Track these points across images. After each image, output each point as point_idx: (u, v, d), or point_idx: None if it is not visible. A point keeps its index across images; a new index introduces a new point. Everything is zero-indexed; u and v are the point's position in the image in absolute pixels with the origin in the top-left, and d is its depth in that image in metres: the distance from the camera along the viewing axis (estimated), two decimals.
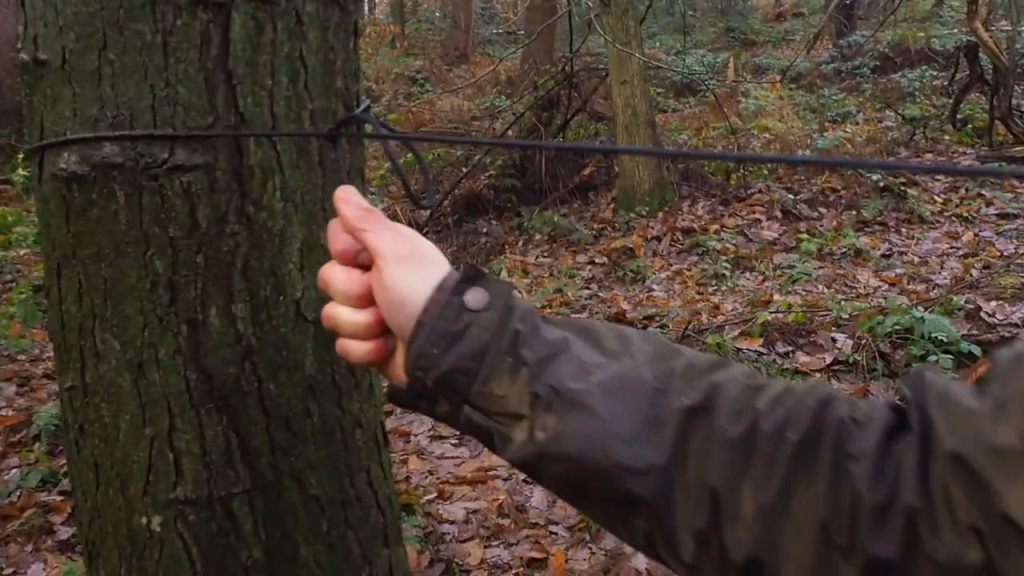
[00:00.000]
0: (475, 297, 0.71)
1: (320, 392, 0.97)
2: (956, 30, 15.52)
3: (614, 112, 8.05)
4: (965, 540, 0.54)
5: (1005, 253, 6.57)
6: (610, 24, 7.75)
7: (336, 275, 0.74)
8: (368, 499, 1.03)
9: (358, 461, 1.02)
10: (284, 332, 0.93)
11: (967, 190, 8.25)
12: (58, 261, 0.91)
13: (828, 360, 4.81)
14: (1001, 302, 5.06)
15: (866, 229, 7.52)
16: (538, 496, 3.63)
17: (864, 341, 4.85)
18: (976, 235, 7.09)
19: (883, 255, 6.83)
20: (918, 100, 11.64)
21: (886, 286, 6.24)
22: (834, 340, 5.04)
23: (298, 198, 0.93)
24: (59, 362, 0.95)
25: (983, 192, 8.15)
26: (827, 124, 10.83)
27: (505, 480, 3.67)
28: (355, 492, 1.01)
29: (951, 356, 4.39)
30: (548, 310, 5.77)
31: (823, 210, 8.05)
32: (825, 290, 6.19)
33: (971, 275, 5.98)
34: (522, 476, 3.86)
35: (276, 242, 0.92)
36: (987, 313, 4.98)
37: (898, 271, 6.42)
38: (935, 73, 12.60)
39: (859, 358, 4.74)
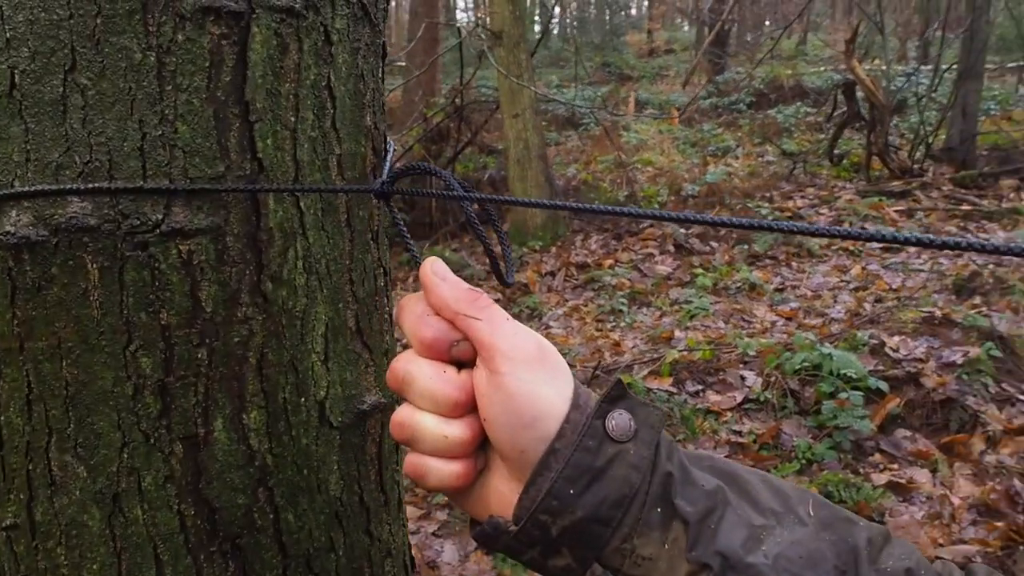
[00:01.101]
0: (619, 424, 0.57)
1: (346, 518, 0.75)
2: (824, 68, 16.15)
3: (505, 145, 7.96)
4: None
5: (893, 286, 6.73)
6: (502, 57, 7.66)
7: (424, 372, 0.57)
8: None
9: None
10: (306, 444, 0.71)
11: (851, 224, 8.47)
12: None
13: (739, 399, 4.79)
14: (904, 337, 5.13)
15: (758, 263, 7.62)
16: (449, 551, 3.44)
17: (773, 378, 4.85)
18: (864, 268, 7.26)
19: (776, 289, 6.92)
20: (795, 135, 12.00)
21: (783, 320, 6.31)
22: (743, 378, 5.03)
23: (323, 269, 0.71)
24: None
25: (866, 226, 8.39)
26: (708, 158, 11.02)
27: (414, 534, 3.45)
28: None
29: (860, 392, 4.42)
30: None
31: (715, 244, 8.13)
32: (724, 325, 6.22)
33: (864, 309, 6.08)
34: (431, 529, 3.63)
35: (297, 327, 0.70)
36: (891, 348, 5.03)
37: (793, 305, 6.49)
38: (809, 109, 13.03)
39: (769, 396, 4.73)
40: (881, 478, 3.89)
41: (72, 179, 0.63)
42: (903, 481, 3.86)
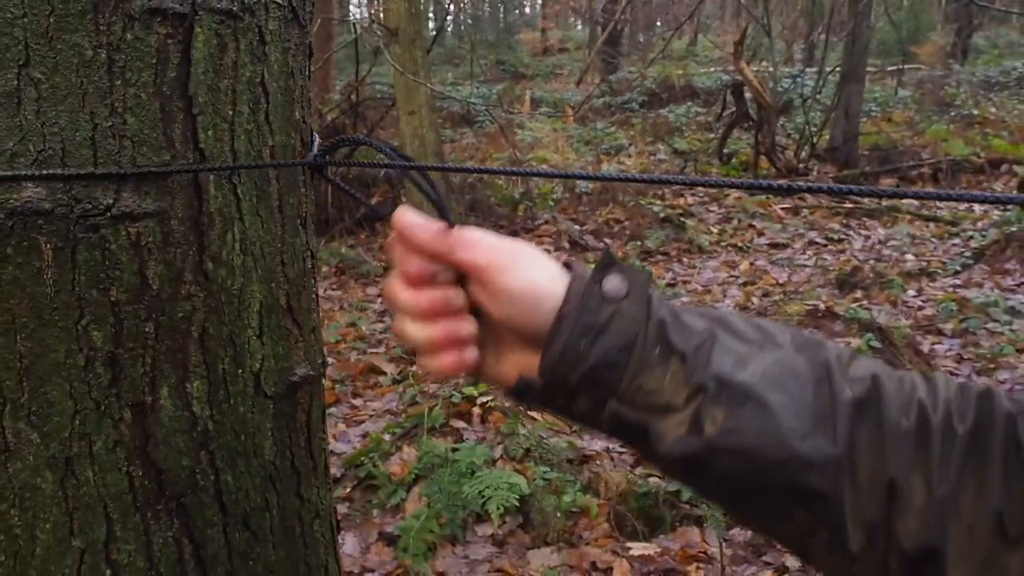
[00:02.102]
0: (613, 286, 0.69)
1: (279, 480, 0.83)
2: (713, 69, 16.63)
3: (401, 142, 8.00)
4: None
5: (780, 281, 7.02)
6: (398, 54, 7.70)
7: (405, 297, 0.69)
8: None
9: (317, 557, 0.88)
10: (243, 412, 0.79)
11: (739, 221, 8.79)
12: None
13: None
14: None
15: (650, 259, 7.83)
16: (351, 543, 3.49)
17: None
18: (752, 264, 7.54)
19: (668, 284, 7.12)
20: (686, 134, 12.35)
21: None
22: None
23: (258, 251, 0.79)
24: None
25: (754, 223, 8.71)
26: (602, 156, 11.25)
27: None
28: None
29: None
30: (343, 345, 5.62)
31: (608, 241, 8.32)
32: None
33: (752, 302, 6.34)
34: None
35: (235, 304, 0.77)
36: None
37: (684, 299, 6.70)
38: (699, 109, 13.42)
39: None
40: None
41: (27, 166, 0.69)
42: None
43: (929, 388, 0.67)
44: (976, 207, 9.03)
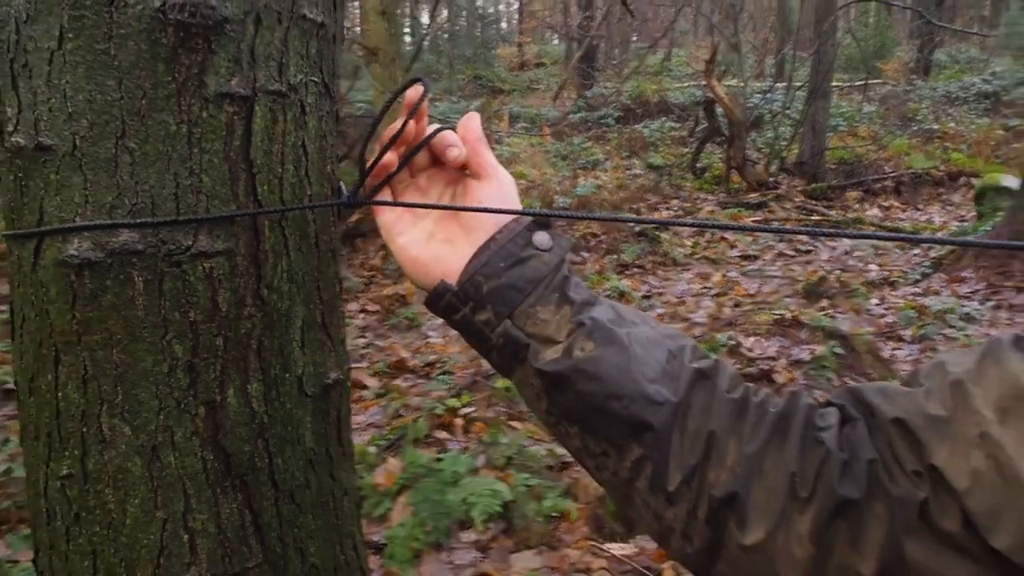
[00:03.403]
0: (541, 239, 0.86)
1: (317, 463, 1.01)
2: (687, 84, 16.90)
3: None
4: (912, 481, 0.72)
5: (750, 291, 7.23)
6: (378, 72, 7.89)
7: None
8: (354, 563, 1.08)
9: (346, 528, 1.07)
10: (290, 408, 0.97)
11: (712, 234, 9.01)
12: (57, 348, 0.90)
13: None
14: (758, 337, 5.57)
15: (627, 272, 8.03)
16: None
17: None
18: (724, 275, 7.76)
19: (644, 296, 7.31)
20: (660, 149, 12.58)
21: None
22: None
23: (300, 279, 0.98)
24: (46, 453, 0.94)
25: (726, 236, 8.94)
26: (579, 171, 11.47)
27: None
28: (344, 558, 1.06)
29: None
30: None
31: (586, 254, 8.52)
32: None
33: (724, 313, 6.54)
34: None
35: (283, 322, 0.96)
36: (747, 348, 5.46)
37: (659, 311, 6.89)
38: (673, 124, 13.68)
39: None
40: None
41: (123, 216, 0.87)
42: None
43: (756, 387, 0.84)
44: (936, 218, 9.30)
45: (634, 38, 24.94)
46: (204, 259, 0.90)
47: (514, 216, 0.88)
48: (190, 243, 0.89)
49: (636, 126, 13.87)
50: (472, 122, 0.93)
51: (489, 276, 0.84)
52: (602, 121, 14.44)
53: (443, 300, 0.87)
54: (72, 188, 0.88)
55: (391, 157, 0.94)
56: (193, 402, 0.91)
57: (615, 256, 8.25)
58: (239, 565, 0.94)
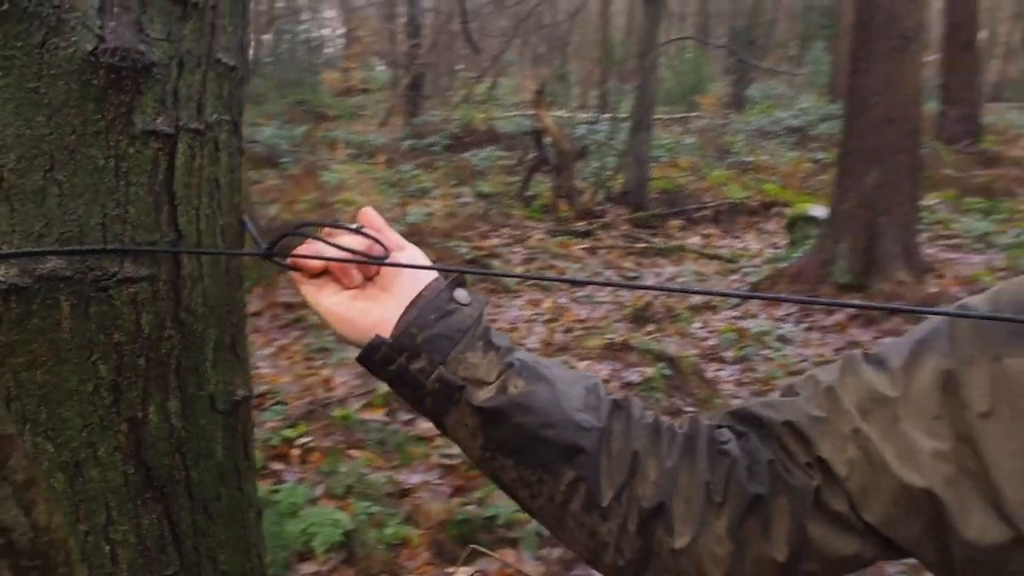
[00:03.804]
0: (461, 294, 0.98)
1: (227, 476, 1.10)
2: (514, 113, 17.34)
3: None
4: (806, 473, 0.90)
5: (581, 317, 7.52)
6: None
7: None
8: (259, 571, 1.17)
9: (252, 538, 1.15)
10: (203, 423, 1.06)
11: (542, 261, 9.30)
12: None
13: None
14: (590, 361, 5.83)
15: None
16: None
17: None
18: (555, 302, 8.01)
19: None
20: (489, 178, 12.86)
21: None
22: None
23: (213, 303, 1.06)
24: None
25: (555, 263, 9.25)
26: (408, 199, 11.58)
27: None
28: (251, 566, 1.14)
29: None
30: None
31: None
32: None
33: (555, 338, 6.78)
34: None
35: (198, 343, 1.04)
36: None
37: None
38: (502, 153, 14.02)
39: None
40: None
41: (51, 244, 0.95)
42: None
43: (659, 415, 1.00)
44: (752, 245, 9.92)
45: (460, 66, 25.32)
46: (129, 284, 0.98)
47: (436, 275, 1.00)
48: (116, 269, 0.97)
49: (465, 154, 14.12)
50: (371, 215, 1.03)
51: (422, 327, 0.94)
52: (430, 149, 14.64)
53: (379, 352, 0.95)
54: (0, 218, 0.94)
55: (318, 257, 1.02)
56: (116, 419, 0.98)
57: None
58: (158, 573, 1.02)
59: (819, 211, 8.85)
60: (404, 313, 0.96)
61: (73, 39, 0.93)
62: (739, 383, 5.85)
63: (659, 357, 5.75)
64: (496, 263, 8.93)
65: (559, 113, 13.67)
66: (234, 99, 1.10)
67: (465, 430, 0.95)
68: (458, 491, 4.45)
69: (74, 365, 0.96)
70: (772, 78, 23.19)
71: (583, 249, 9.79)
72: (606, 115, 14.38)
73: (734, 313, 7.50)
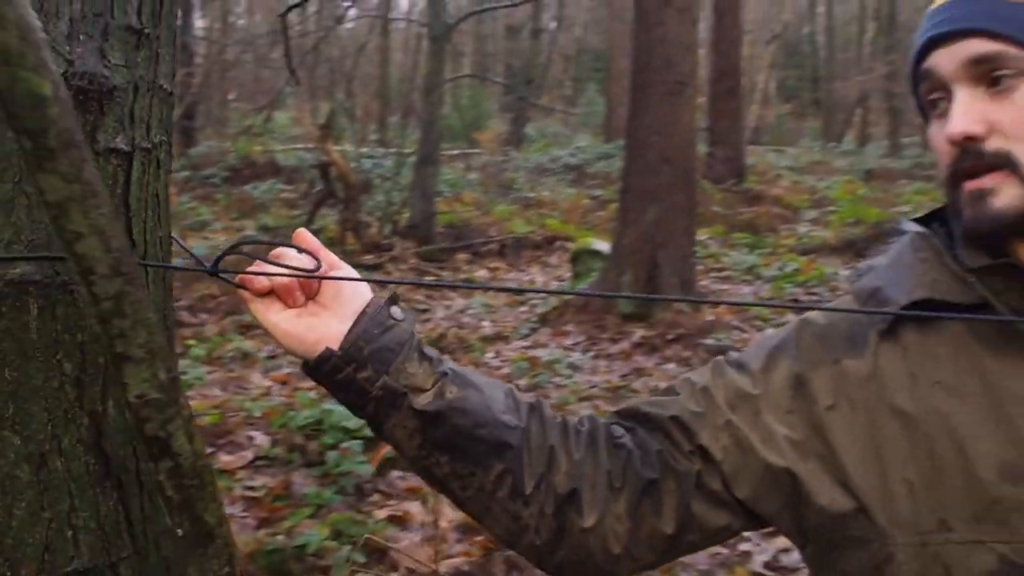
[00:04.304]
0: (396, 311, 1.12)
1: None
2: (294, 146, 17.26)
3: None
4: (689, 459, 1.13)
5: None
6: None
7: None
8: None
9: None
10: None
11: None
12: None
13: (250, 457, 5.25)
14: None
15: (249, 332, 8.10)
16: None
17: (281, 435, 5.39)
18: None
19: (269, 356, 7.43)
20: (272, 211, 12.76)
21: (278, 385, 6.85)
22: (251, 438, 5.49)
23: (156, 307, 1.18)
24: None
25: None
26: (186, 232, 11.33)
27: None
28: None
29: (359, 441, 5.08)
30: None
31: (205, 315, 8.49)
32: (220, 392, 6.56)
33: None
34: None
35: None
36: None
37: (286, 370, 7.06)
38: (284, 186, 13.95)
39: (278, 451, 5.24)
40: (382, 513, 4.54)
41: (20, 251, 1.04)
42: (400, 513, 4.55)
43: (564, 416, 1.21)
44: (538, 279, 10.37)
45: (231, 96, 24.85)
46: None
47: (372, 293, 1.14)
48: None
49: (245, 187, 13.95)
50: (307, 236, 1.12)
51: (368, 341, 1.07)
52: (209, 181, 14.35)
53: (328, 363, 1.06)
54: None
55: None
56: (79, 412, 1.08)
57: (236, 316, 8.30)
58: (115, 556, 1.11)
59: (602, 245, 9.39)
60: (351, 328, 1.08)
61: None
62: None
63: None
64: None
65: (345, 147, 13.77)
66: (169, 121, 1.22)
67: (403, 431, 1.09)
68: (264, 523, 4.48)
69: (40, 363, 1.06)
70: (548, 117, 24.22)
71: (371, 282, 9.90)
72: (389, 150, 14.61)
73: (525, 343, 7.84)
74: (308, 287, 1.11)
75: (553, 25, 30.26)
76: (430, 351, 1.13)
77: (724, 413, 1.12)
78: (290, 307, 1.10)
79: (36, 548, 1.07)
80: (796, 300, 8.68)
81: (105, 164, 1.09)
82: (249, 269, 1.11)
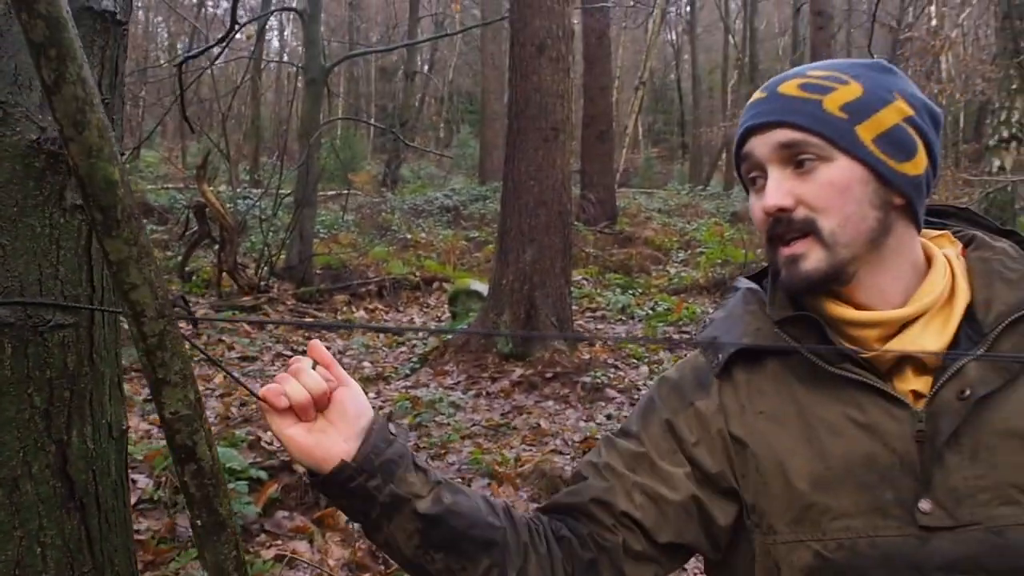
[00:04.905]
0: (392, 427, 1.22)
1: (120, 491, 1.34)
2: (163, 186, 16.99)
3: None
4: (613, 533, 1.28)
5: (256, 391, 7.60)
6: None
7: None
8: (137, 574, 1.40)
9: (133, 547, 1.39)
10: (104, 447, 1.31)
11: (209, 337, 9.30)
12: None
13: (133, 500, 5.22)
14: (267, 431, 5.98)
15: (125, 376, 7.97)
16: None
17: (164, 479, 5.38)
18: (225, 377, 8.06)
19: (145, 400, 7.35)
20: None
21: (156, 428, 6.80)
22: (134, 481, 5.46)
23: (109, 347, 1.32)
24: None
25: (223, 338, 9.27)
26: None
27: None
28: (132, 570, 1.38)
29: (244, 482, 5.11)
30: None
31: None
32: None
33: (232, 412, 6.87)
34: None
35: (103, 380, 1.30)
36: (266, 442, 5.88)
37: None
38: (155, 227, 13.74)
39: (162, 494, 5.23)
40: (269, 553, 4.58)
41: None
42: (288, 553, 4.60)
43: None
44: (417, 319, 10.52)
45: None
46: (60, 330, 1.23)
47: (373, 411, 1.23)
48: (51, 317, 1.21)
49: None
50: (320, 349, 1.19)
51: (378, 454, 1.16)
52: None
53: (343, 473, 1.15)
54: None
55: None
56: (47, 441, 1.22)
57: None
58: (78, 570, 1.25)
59: (479, 286, 9.61)
60: (363, 443, 1.18)
61: (18, 129, 1.19)
62: (417, 448, 6.26)
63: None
64: None
65: (219, 187, 13.67)
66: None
67: (403, 533, 1.17)
68: (149, 565, 4.48)
69: (13, 397, 1.19)
70: (422, 158, 24.45)
71: (251, 323, 9.87)
72: (263, 191, 14.55)
73: (406, 383, 7.96)
74: (320, 403, 1.17)
75: (426, 68, 30.65)
76: (422, 462, 1.25)
77: (629, 477, 1.27)
78: (303, 422, 1.19)
79: (8, 564, 1.20)
80: (669, 337, 9.07)
81: (71, 219, 1.24)
82: (271, 387, 1.18)
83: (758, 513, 1.21)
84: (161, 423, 0.88)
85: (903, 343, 1.17)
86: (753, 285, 1.33)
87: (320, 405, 1.17)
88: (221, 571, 0.88)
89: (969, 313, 1.18)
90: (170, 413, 0.86)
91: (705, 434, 1.28)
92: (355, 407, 1.19)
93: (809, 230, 1.15)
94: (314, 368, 1.18)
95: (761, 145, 1.18)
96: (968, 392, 1.12)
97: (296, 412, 1.16)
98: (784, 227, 1.16)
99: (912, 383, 1.17)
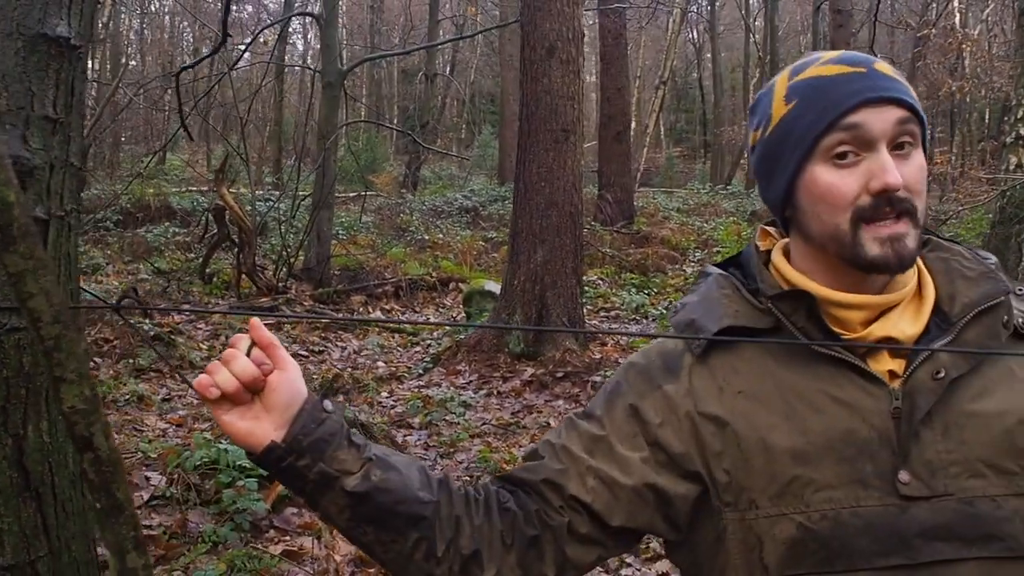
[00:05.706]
0: (328, 405, 1.24)
1: (76, 483, 1.44)
2: (188, 189, 17.18)
3: None
4: (560, 513, 1.33)
5: None
6: None
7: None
8: (94, 562, 1.50)
9: (91, 533, 1.49)
10: (61, 441, 1.40)
11: (227, 337, 9.42)
12: None
13: (146, 497, 5.33)
14: None
15: (143, 376, 8.11)
16: None
17: (176, 475, 5.48)
18: None
19: (164, 399, 7.47)
20: (166, 254, 12.73)
21: (174, 427, 6.90)
22: (148, 478, 5.56)
23: (66, 347, 1.42)
24: None
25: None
26: (79, 276, 11.21)
27: None
28: (90, 556, 1.48)
29: (254, 479, 5.21)
30: None
31: (99, 360, 8.47)
32: (116, 435, 6.61)
33: None
34: None
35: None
36: None
37: (181, 413, 7.10)
38: (178, 229, 13.91)
39: (174, 491, 5.33)
40: (277, 549, 4.66)
41: None
42: (295, 549, 4.69)
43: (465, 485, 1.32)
44: (432, 319, 10.60)
45: (122, 138, 24.55)
46: (15, 333, 1.32)
47: (307, 392, 1.25)
48: (7, 321, 1.31)
49: (139, 230, 13.88)
50: (262, 330, 1.20)
51: (307, 434, 1.19)
52: (100, 224, 14.22)
53: (274, 454, 1.18)
54: None
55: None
56: (4, 435, 1.32)
57: (131, 360, 8.31)
58: (34, 555, 1.34)
59: (493, 286, 9.68)
60: (292, 423, 1.21)
61: None
62: (427, 447, 6.33)
63: (351, 424, 6.09)
64: (181, 340, 8.95)
65: (239, 190, 13.83)
66: (79, 192, 1.47)
67: (335, 507, 1.21)
68: (160, 560, 4.58)
69: None
70: (443, 159, 24.50)
71: (268, 325, 9.96)
72: (284, 192, 14.67)
73: (419, 382, 8.03)
74: (253, 388, 1.19)
75: (447, 70, 30.76)
76: (358, 438, 1.27)
77: (584, 460, 1.30)
78: (238, 405, 1.19)
79: None
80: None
81: None
82: (203, 377, 1.20)
83: (735, 490, 1.24)
84: (61, 416, 0.96)
85: (884, 327, 1.22)
86: (722, 271, 1.37)
87: (254, 389, 1.19)
88: (121, 550, 0.97)
89: (935, 305, 1.24)
90: (68, 407, 0.95)
91: (672, 416, 1.31)
92: (288, 392, 1.21)
93: (909, 211, 1.17)
94: (251, 349, 1.20)
95: (879, 121, 1.16)
96: (942, 373, 1.17)
97: (230, 398, 1.18)
98: (885, 206, 1.17)
99: (887, 364, 1.22)
